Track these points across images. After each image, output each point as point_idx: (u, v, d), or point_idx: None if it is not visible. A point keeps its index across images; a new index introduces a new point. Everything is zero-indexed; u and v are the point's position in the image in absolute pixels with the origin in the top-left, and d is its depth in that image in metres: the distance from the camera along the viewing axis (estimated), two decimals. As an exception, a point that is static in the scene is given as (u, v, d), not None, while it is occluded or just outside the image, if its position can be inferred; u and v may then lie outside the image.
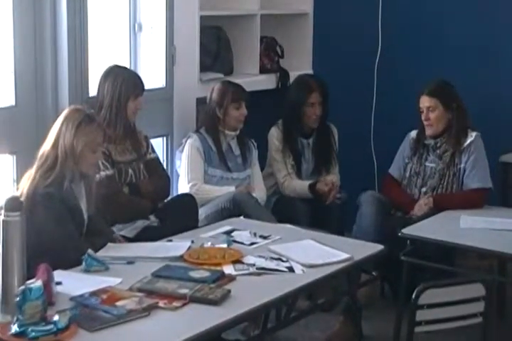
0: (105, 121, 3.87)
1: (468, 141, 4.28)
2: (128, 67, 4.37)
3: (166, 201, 4.10)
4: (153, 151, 4.15)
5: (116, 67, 4.05)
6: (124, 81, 3.93)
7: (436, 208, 4.17)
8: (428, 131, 4.33)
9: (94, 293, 2.64)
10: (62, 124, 3.24)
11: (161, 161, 4.34)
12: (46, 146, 3.23)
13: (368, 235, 4.04)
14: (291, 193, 4.60)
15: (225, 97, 4.41)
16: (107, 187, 3.74)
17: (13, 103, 3.87)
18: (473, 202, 4.17)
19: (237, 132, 4.48)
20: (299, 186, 4.60)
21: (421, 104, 4.33)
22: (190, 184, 4.30)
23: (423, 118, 4.31)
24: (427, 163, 4.36)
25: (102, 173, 3.79)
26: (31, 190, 3.14)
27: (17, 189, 3.30)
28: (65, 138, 3.20)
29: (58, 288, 2.69)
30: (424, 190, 4.34)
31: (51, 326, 2.35)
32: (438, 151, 4.33)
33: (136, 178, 3.98)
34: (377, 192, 4.46)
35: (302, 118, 4.68)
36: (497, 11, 4.83)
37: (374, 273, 4.11)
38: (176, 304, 2.61)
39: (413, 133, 4.46)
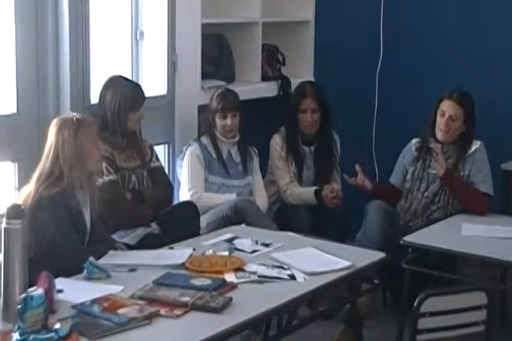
0: (109, 131, 3.92)
1: (472, 149, 4.27)
2: (130, 74, 4.40)
3: (167, 208, 4.10)
4: (158, 160, 4.17)
5: (117, 78, 4.04)
6: (122, 96, 3.93)
7: (445, 182, 4.24)
8: (441, 136, 4.26)
9: (95, 301, 2.63)
10: (57, 137, 3.23)
11: (165, 169, 4.35)
12: (46, 164, 3.22)
13: (373, 243, 4.03)
14: (295, 200, 4.59)
15: (212, 105, 4.42)
16: (110, 192, 3.75)
17: (15, 110, 3.88)
18: (477, 203, 4.17)
19: (235, 139, 4.47)
20: (304, 193, 4.58)
21: (445, 108, 4.23)
22: (191, 192, 4.30)
23: (443, 123, 4.22)
24: (430, 170, 4.35)
25: (106, 178, 3.81)
26: (36, 197, 3.13)
27: (18, 198, 3.30)
28: (66, 149, 3.20)
29: (60, 296, 2.69)
30: (426, 194, 4.33)
31: (52, 334, 2.35)
32: (441, 157, 4.33)
33: (139, 185, 3.99)
34: (384, 202, 4.44)
35: (298, 125, 4.68)
36: (500, 19, 4.83)
37: (375, 281, 4.10)
38: (177, 312, 2.60)
39: (415, 142, 4.44)
